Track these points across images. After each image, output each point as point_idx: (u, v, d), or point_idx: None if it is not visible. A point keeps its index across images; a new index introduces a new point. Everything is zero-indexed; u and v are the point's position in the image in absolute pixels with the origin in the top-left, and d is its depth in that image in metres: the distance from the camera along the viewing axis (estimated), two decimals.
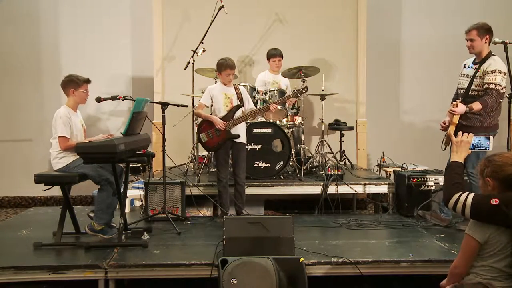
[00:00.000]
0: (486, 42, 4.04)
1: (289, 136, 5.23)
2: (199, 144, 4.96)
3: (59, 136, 3.79)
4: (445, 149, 4.06)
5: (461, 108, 3.89)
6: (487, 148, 2.82)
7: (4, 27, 6.48)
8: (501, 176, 2.32)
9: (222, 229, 3.36)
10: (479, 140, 2.78)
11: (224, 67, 4.46)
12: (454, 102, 3.95)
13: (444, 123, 4.19)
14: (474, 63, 4.16)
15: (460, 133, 2.63)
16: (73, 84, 3.91)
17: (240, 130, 4.57)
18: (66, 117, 3.81)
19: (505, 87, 4.01)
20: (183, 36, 6.25)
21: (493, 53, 4.09)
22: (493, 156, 2.39)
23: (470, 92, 4.09)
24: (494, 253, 2.32)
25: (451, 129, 3.87)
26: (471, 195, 2.34)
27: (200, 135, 4.57)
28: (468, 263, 2.37)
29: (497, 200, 2.25)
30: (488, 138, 2.80)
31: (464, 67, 4.26)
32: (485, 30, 4.03)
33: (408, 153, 5.88)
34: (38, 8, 6.51)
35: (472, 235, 2.34)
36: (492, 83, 3.94)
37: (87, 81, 3.98)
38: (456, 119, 3.89)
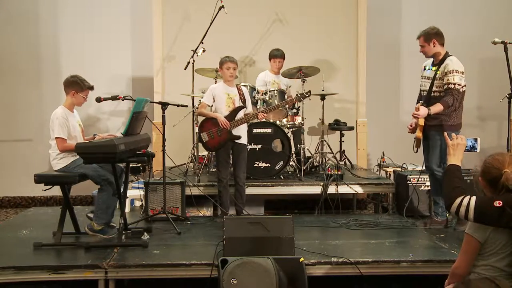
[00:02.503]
0: (434, 46, 4.14)
1: (289, 136, 5.23)
2: (199, 143, 4.96)
3: (56, 138, 3.78)
4: (416, 151, 4.14)
5: (423, 111, 4.00)
6: (477, 150, 2.83)
7: (3, 27, 6.47)
8: (488, 177, 2.34)
9: (222, 229, 3.36)
10: (475, 141, 2.79)
11: (224, 61, 4.48)
12: (416, 106, 4.06)
13: (411, 126, 4.25)
14: (433, 64, 4.24)
15: (454, 135, 2.62)
16: (77, 86, 3.90)
17: (242, 131, 4.56)
18: (63, 118, 3.80)
19: (465, 85, 4.07)
20: (183, 36, 6.24)
21: (449, 53, 4.16)
22: (488, 156, 2.40)
23: (432, 94, 4.17)
24: (494, 252, 2.31)
25: (419, 132, 4.05)
26: (473, 198, 2.31)
27: (201, 134, 4.57)
28: (469, 263, 2.37)
29: (501, 202, 2.22)
30: (476, 140, 2.82)
31: (424, 69, 4.36)
32: (430, 36, 4.13)
33: (408, 153, 5.84)
34: (37, 8, 6.51)
35: (472, 234, 2.34)
36: (451, 83, 4.02)
37: (91, 88, 3.98)
38: (422, 121, 4.05)
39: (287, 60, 5.75)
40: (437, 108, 4.00)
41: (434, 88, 4.15)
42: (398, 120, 6.86)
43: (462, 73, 4.05)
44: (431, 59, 4.29)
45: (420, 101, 4.13)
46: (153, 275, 3.37)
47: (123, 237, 3.76)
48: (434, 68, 4.20)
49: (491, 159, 2.36)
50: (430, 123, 4.10)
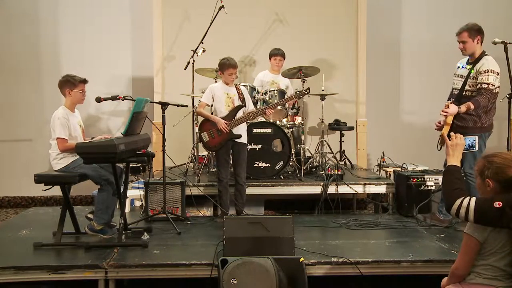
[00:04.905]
0: (478, 43, 4.06)
1: (289, 136, 5.23)
2: (200, 143, 4.96)
3: (57, 138, 3.78)
4: (440, 149, 4.08)
5: (453, 109, 3.92)
6: (475, 148, 2.82)
7: (4, 27, 6.48)
8: (502, 178, 2.29)
9: (222, 229, 3.37)
10: (474, 140, 2.78)
11: (226, 66, 4.46)
12: (446, 103, 3.97)
13: (439, 123, 4.20)
14: (467, 63, 4.18)
15: (452, 134, 2.60)
16: (69, 84, 3.91)
17: (242, 130, 4.57)
18: (63, 119, 3.81)
19: (498, 87, 4.02)
20: (183, 36, 6.25)
21: (486, 52, 4.09)
22: (492, 156, 2.36)
23: (464, 93, 4.11)
24: (494, 251, 2.31)
25: (445, 130, 3.90)
26: (473, 199, 2.29)
27: (202, 134, 4.57)
28: (469, 263, 2.36)
29: (500, 203, 2.21)
30: (475, 139, 2.80)
31: (458, 67, 4.28)
32: (475, 31, 4.04)
33: (408, 153, 5.88)
34: (37, 8, 6.51)
35: (472, 234, 2.33)
36: (485, 83, 3.95)
37: (84, 81, 3.97)
38: (450, 119, 3.93)
39: (287, 60, 5.76)
40: (468, 107, 3.92)
41: (466, 87, 4.08)
42: (398, 120, 6.87)
43: (497, 74, 3.97)
44: (466, 58, 4.20)
45: (451, 99, 4.05)
46: (153, 275, 3.36)
47: (123, 237, 3.76)
48: (468, 67, 4.12)
49: (500, 159, 2.32)
50: (460, 124, 3.99)
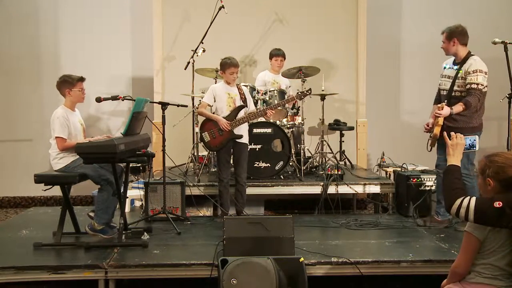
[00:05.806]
0: (454, 45, 4.09)
1: (289, 136, 5.23)
2: (201, 143, 4.96)
3: (56, 137, 3.79)
4: (430, 150, 4.10)
5: (446, 110, 3.95)
6: (476, 148, 2.82)
7: (4, 27, 6.48)
8: (502, 177, 2.29)
9: (222, 229, 3.37)
10: (474, 140, 2.78)
11: (228, 65, 4.46)
12: (439, 105, 4.00)
13: (428, 125, 4.21)
14: (454, 63, 4.20)
15: (453, 134, 2.60)
16: (67, 84, 3.91)
17: (243, 130, 4.57)
18: (63, 118, 3.81)
19: (486, 86, 4.03)
20: (183, 36, 6.25)
21: (472, 53, 4.11)
22: (493, 156, 2.36)
23: (453, 93, 4.12)
24: (493, 250, 2.31)
25: (437, 131, 3.93)
26: (473, 199, 2.29)
27: (203, 134, 4.56)
28: (469, 262, 2.36)
29: (501, 202, 2.21)
30: (475, 139, 2.80)
31: (445, 68, 4.30)
32: (451, 33, 4.09)
33: (408, 153, 5.87)
34: (37, 8, 6.51)
35: (472, 232, 2.33)
36: (474, 83, 3.97)
37: (81, 79, 3.97)
38: (441, 120, 3.97)
39: (287, 60, 5.75)
40: (459, 108, 3.95)
41: (455, 88, 4.09)
42: (398, 120, 6.86)
43: (486, 73, 4.00)
44: (452, 58, 4.23)
45: (445, 101, 4.06)
46: (153, 275, 3.37)
47: (123, 237, 3.76)
48: (455, 67, 4.14)
49: (501, 159, 2.32)
50: (451, 125, 3.99)
